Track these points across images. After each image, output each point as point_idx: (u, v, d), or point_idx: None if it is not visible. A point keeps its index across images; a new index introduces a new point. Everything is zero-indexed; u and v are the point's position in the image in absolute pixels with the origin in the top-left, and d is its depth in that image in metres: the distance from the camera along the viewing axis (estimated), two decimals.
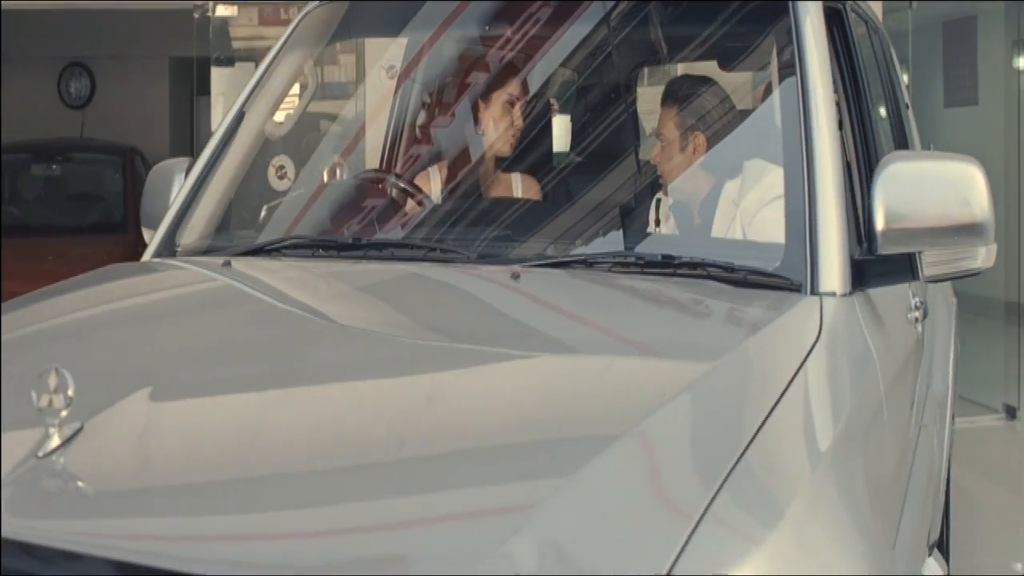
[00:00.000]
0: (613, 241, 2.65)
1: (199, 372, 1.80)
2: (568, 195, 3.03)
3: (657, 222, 2.77)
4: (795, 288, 2.11)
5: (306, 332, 2.01)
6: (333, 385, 1.76)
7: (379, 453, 1.48)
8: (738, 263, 2.19)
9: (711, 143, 2.88)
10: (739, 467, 1.39)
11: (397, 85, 3.76)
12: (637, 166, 3.00)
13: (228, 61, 7.63)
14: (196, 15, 7.53)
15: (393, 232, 2.84)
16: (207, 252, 2.63)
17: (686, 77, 3.11)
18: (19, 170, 9.98)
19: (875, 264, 2.19)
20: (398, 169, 3.46)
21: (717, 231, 2.71)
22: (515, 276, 2.18)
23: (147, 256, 2.67)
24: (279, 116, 3.19)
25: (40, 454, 1.42)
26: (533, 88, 3.24)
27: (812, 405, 1.73)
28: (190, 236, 2.68)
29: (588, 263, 2.30)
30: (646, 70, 3.95)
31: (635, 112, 3.54)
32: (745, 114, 3.01)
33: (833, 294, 2.10)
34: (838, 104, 2.48)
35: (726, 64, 3.31)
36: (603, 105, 3.35)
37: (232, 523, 1.36)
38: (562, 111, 3.66)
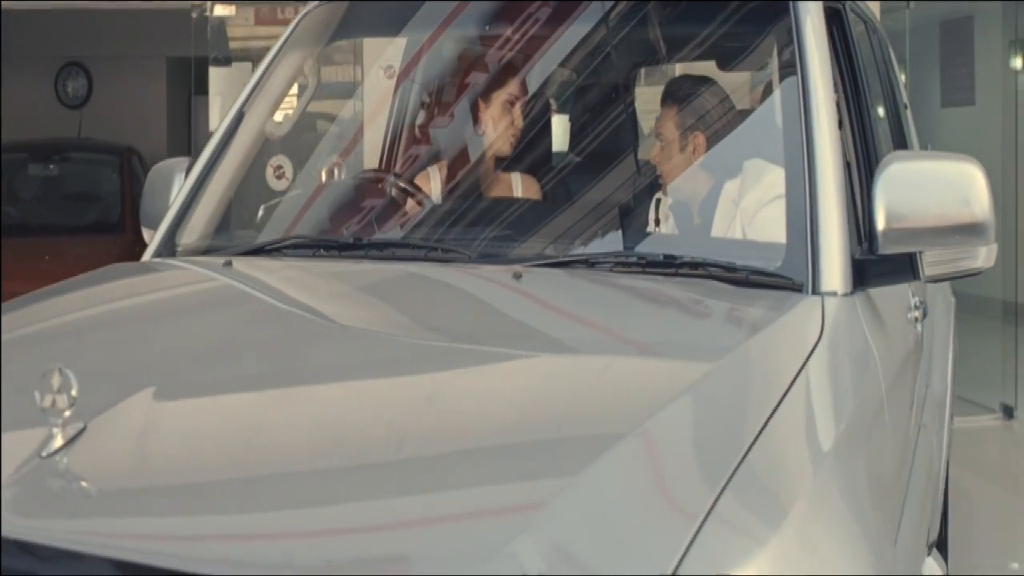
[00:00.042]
0: (614, 241, 2.65)
1: (201, 372, 1.80)
2: (568, 195, 3.03)
3: (657, 222, 2.77)
4: (796, 288, 2.12)
5: (309, 332, 2.01)
6: (336, 385, 1.76)
7: (383, 453, 1.49)
8: (739, 263, 2.19)
9: (711, 143, 2.88)
10: (743, 467, 1.39)
11: (396, 85, 3.76)
12: (636, 166, 3.00)
13: (226, 61, 7.62)
14: (194, 15, 7.53)
15: (394, 232, 2.84)
16: (207, 252, 2.63)
17: (686, 77, 3.12)
18: (16, 170, 9.96)
19: (876, 264, 2.20)
20: (398, 169, 3.46)
21: (717, 231, 2.71)
22: (517, 276, 2.18)
23: (147, 256, 2.67)
24: (277, 116, 3.19)
25: (44, 454, 1.42)
26: (533, 88, 3.23)
27: (814, 405, 1.73)
28: (190, 236, 2.68)
29: (590, 263, 2.30)
30: (645, 70, 3.95)
31: (634, 112, 3.54)
32: (745, 114, 3.01)
33: (834, 294, 2.10)
34: (838, 104, 2.48)
35: (726, 64, 3.31)
36: (603, 105, 3.35)
37: (235, 523, 1.36)
38: (561, 111, 3.66)
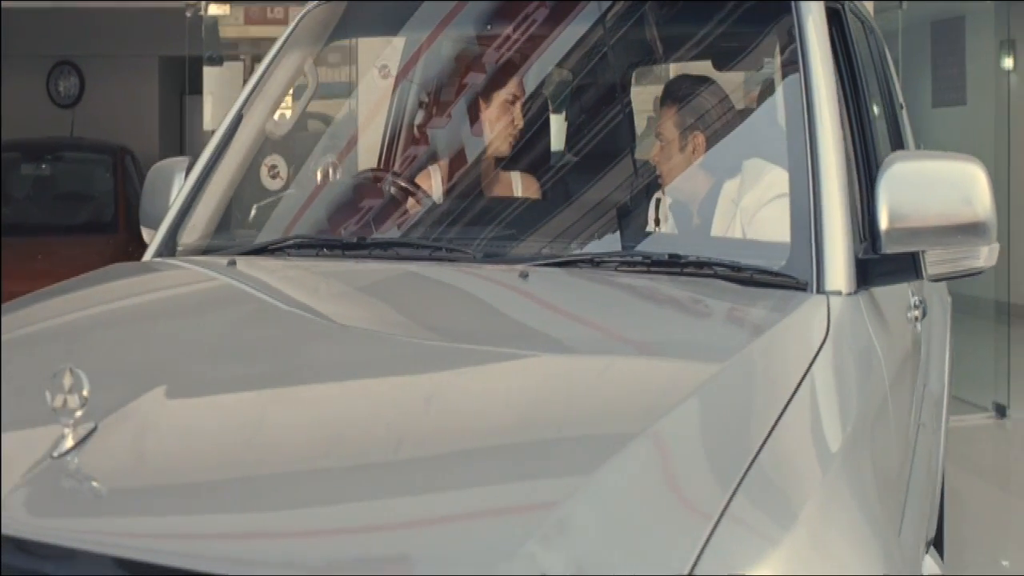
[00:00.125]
0: (618, 240, 2.65)
1: (210, 373, 1.80)
2: (567, 194, 3.03)
3: (657, 221, 2.77)
4: (801, 287, 2.12)
5: (318, 332, 2.01)
6: (347, 384, 1.76)
7: (396, 452, 1.48)
8: (744, 262, 2.20)
9: (710, 142, 2.89)
10: (754, 467, 1.40)
11: (395, 85, 3.76)
12: (634, 166, 3.01)
13: (220, 60, 7.62)
14: (188, 14, 7.52)
15: (396, 231, 2.84)
16: (207, 251, 2.62)
17: (685, 77, 3.12)
18: (9, 169, 9.92)
19: (879, 263, 2.21)
20: (398, 168, 3.46)
21: (717, 230, 2.72)
22: (523, 275, 2.18)
23: (148, 255, 2.67)
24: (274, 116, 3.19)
25: (55, 454, 1.42)
26: (531, 87, 3.24)
27: (822, 405, 1.74)
28: (191, 235, 2.68)
29: (595, 262, 2.30)
30: (641, 70, 3.96)
31: (631, 112, 3.54)
32: (745, 113, 3.02)
33: (839, 293, 2.11)
34: (838, 104, 2.49)
35: (727, 64, 3.31)
36: (603, 104, 3.36)
37: (246, 522, 1.36)
38: (562, 110, 3.66)
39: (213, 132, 2.90)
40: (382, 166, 3.62)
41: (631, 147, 3.13)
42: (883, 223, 2.16)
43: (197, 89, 7.76)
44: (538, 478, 1.39)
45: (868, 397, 1.96)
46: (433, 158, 3.23)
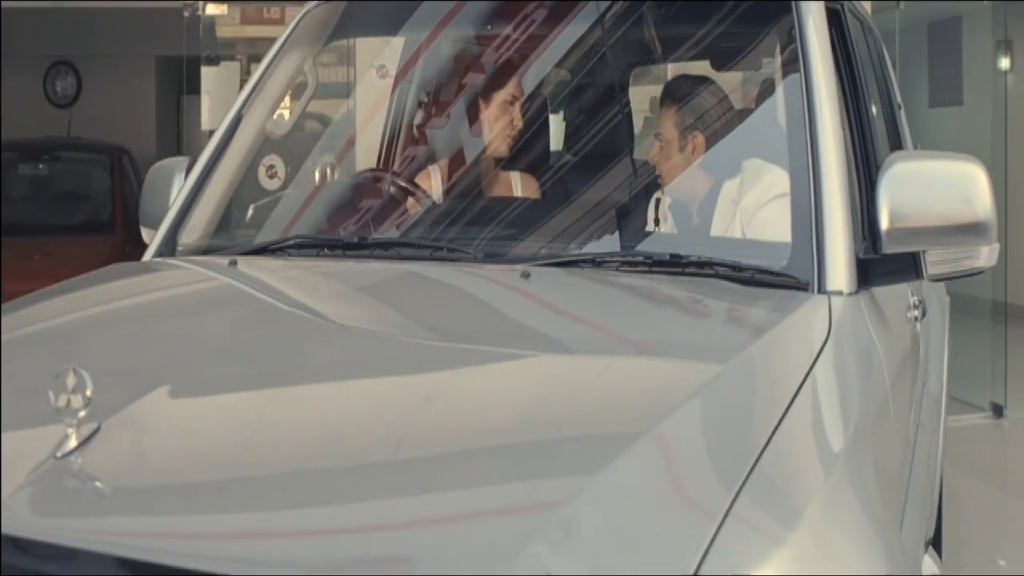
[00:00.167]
0: (621, 240, 2.65)
1: (213, 373, 1.80)
2: (566, 194, 3.04)
3: (657, 221, 2.77)
4: (802, 287, 2.13)
5: (321, 333, 2.01)
6: (349, 385, 1.76)
7: (404, 452, 1.48)
8: (745, 262, 2.20)
9: (710, 143, 2.89)
10: (758, 467, 1.40)
11: (394, 84, 3.76)
12: (632, 166, 3.01)
13: (217, 60, 7.62)
14: (186, 13, 7.51)
15: (399, 231, 2.83)
16: (207, 251, 2.62)
17: (685, 77, 3.12)
18: (6, 169, 9.91)
19: (879, 263, 2.21)
20: (398, 168, 3.46)
21: (716, 230, 2.72)
22: (525, 275, 2.18)
23: (148, 255, 2.67)
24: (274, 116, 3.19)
25: (58, 454, 1.42)
26: (531, 87, 3.24)
27: (825, 405, 1.74)
28: (191, 235, 2.68)
29: (596, 262, 2.31)
30: (638, 70, 3.96)
31: (630, 112, 3.54)
32: (745, 114, 3.02)
33: (840, 293, 2.11)
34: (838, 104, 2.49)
35: (727, 64, 3.32)
36: (603, 105, 3.36)
37: (251, 521, 1.36)
38: (559, 110, 3.66)
39: (211, 132, 2.90)
40: (381, 166, 3.62)
41: (630, 147, 3.13)
42: (884, 223, 2.17)
43: (194, 89, 7.76)
44: (542, 478, 1.39)
45: (869, 397, 1.96)
46: (432, 158, 3.23)
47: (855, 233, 2.25)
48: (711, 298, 2.13)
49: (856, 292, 2.15)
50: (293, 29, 3.01)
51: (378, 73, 4.14)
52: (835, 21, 2.71)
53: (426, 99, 3.54)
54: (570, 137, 3.60)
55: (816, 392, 1.71)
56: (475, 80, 3.21)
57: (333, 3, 3.10)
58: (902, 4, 7.53)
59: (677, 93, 3.00)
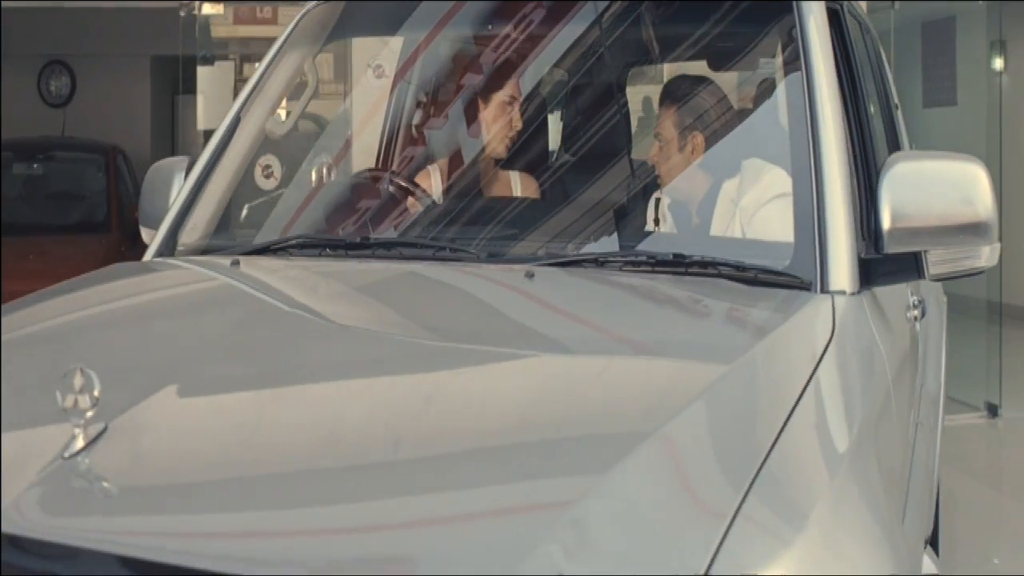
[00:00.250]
0: (623, 240, 2.65)
1: (218, 373, 1.80)
2: (566, 194, 3.04)
3: (656, 221, 2.78)
4: (805, 287, 2.13)
5: (327, 334, 2.01)
6: (355, 385, 1.76)
7: (413, 452, 1.48)
8: (748, 262, 2.20)
9: (709, 143, 2.89)
10: (765, 467, 1.40)
11: (393, 84, 3.76)
12: (630, 166, 3.01)
13: (212, 59, 7.62)
14: (182, 13, 7.51)
15: (400, 231, 2.83)
16: (207, 251, 2.62)
17: (684, 77, 3.12)
18: (1, 169, 9.91)
19: (881, 263, 2.22)
20: (397, 168, 3.46)
21: (716, 230, 2.72)
22: (529, 275, 2.18)
23: (149, 255, 2.66)
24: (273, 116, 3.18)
25: (66, 455, 1.42)
26: (530, 87, 3.24)
27: (830, 405, 1.74)
28: (191, 235, 2.68)
29: (600, 262, 2.31)
30: (634, 71, 3.96)
31: (628, 112, 3.54)
32: (744, 114, 3.02)
33: (843, 293, 2.12)
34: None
35: (727, 64, 3.32)
36: (602, 105, 3.36)
37: (257, 521, 1.36)
38: (560, 110, 3.67)
39: (206, 131, 2.91)
40: (380, 166, 3.62)
41: (628, 147, 3.13)
42: (885, 223, 2.18)
43: (189, 89, 7.76)
44: (550, 478, 1.39)
45: (872, 397, 1.96)
46: (432, 158, 3.23)
47: (857, 233, 2.25)
48: (714, 298, 2.13)
49: (858, 292, 2.15)
50: (293, 29, 3.01)
51: (374, 73, 4.14)
52: (834, 21, 2.72)
53: (425, 99, 3.54)
54: (568, 137, 3.60)
55: (821, 392, 1.71)
56: (474, 80, 3.21)
57: (332, 3, 3.10)
58: (897, 4, 7.54)
59: (676, 93, 3.00)
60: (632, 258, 2.34)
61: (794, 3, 2.49)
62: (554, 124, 3.71)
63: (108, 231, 9.13)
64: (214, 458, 1.52)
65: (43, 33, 12.12)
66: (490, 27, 3.16)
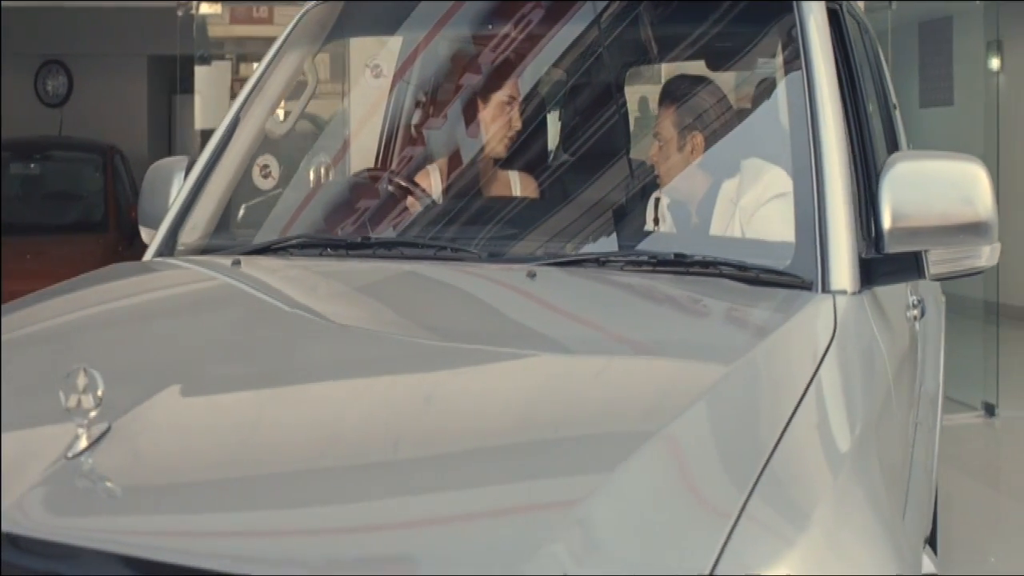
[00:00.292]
0: (623, 239, 2.66)
1: (219, 373, 1.80)
2: (566, 194, 3.04)
3: (656, 221, 2.78)
4: (806, 286, 2.14)
5: (329, 334, 2.01)
6: (357, 385, 1.76)
7: (418, 452, 1.49)
8: (750, 262, 2.21)
9: (709, 142, 2.89)
10: (768, 467, 1.41)
11: (392, 84, 3.76)
12: (629, 166, 3.01)
13: (209, 59, 7.61)
14: (180, 13, 7.51)
15: (400, 231, 2.83)
16: (207, 251, 2.62)
17: (684, 77, 3.12)
18: None
19: (882, 262, 2.22)
20: (396, 168, 3.46)
21: (716, 230, 2.72)
22: (531, 275, 2.18)
23: (149, 255, 2.66)
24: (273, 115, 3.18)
25: (69, 455, 1.42)
26: (529, 87, 3.24)
27: (832, 405, 1.75)
28: (191, 235, 2.67)
29: (601, 262, 2.31)
30: (631, 71, 3.96)
31: (626, 112, 3.55)
32: (744, 113, 3.02)
33: (844, 292, 2.12)
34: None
35: (725, 64, 3.32)
36: (600, 105, 3.36)
37: (259, 520, 1.36)
38: (559, 109, 3.66)
39: (203, 131, 2.91)
40: (380, 166, 3.62)
41: (627, 147, 3.14)
42: (886, 223, 2.18)
43: (187, 88, 7.75)
44: (554, 477, 1.40)
45: (874, 397, 1.97)
46: (431, 158, 3.23)
47: (857, 232, 2.26)
48: (716, 298, 2.14)
49: (859, 292, 2.16)
50: (292, 29, 3.01)
51: (372, 73, 4.14)
52: (834, 21, 2.72)
53: (424, 99, 3.54)
54: (567, 137, 3.60)
55: (823, 392, 1.72)
56: (473, 80, 3.21)
57: (331, 3, 3.09)
58: (894, 4, 7.54)
59: (676, 93, 3.00)
60: (633, 258, 2.34)
61: (794, 3, 2.49)
62: (553, 124, 3.71)
63: (106, 231, 9.12)
64: (215, 458, 1.52)
65: (40, 32, 12.11)
66: (489, 27, 3.16)
